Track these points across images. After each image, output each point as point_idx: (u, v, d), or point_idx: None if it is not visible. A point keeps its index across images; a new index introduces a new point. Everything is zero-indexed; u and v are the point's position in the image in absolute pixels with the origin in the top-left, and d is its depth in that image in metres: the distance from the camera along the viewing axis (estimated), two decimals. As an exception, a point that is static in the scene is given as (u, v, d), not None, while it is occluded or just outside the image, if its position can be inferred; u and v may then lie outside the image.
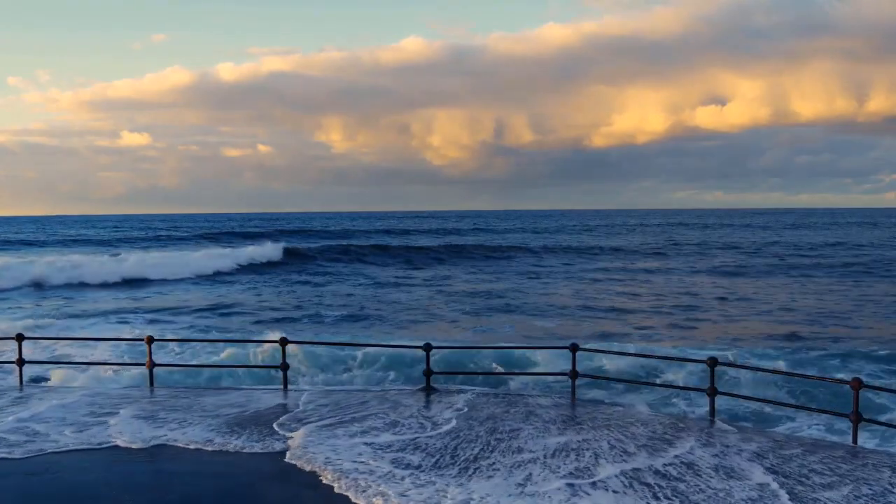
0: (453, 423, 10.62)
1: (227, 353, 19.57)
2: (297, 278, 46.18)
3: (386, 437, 9.97)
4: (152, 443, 9.90)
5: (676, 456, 9.13)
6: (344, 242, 72.60)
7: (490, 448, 9.38)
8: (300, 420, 10.93)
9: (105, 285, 42.39)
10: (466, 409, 11.43)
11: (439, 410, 11.32)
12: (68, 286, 41.37)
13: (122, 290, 40.94)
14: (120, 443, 9.89)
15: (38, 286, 40.67)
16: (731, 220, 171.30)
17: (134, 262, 48.35)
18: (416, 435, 10.06)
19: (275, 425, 10.63)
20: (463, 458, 9.06)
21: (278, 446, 9.72)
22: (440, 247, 69.48)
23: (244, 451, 9.59)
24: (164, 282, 44.18)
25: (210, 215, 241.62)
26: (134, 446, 9.77)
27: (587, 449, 9.33)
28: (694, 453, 9.22)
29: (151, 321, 28.47)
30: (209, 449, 9.67)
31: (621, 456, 9.08)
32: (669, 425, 10.58)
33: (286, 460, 9.16)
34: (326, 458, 9.08)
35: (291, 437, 10.02)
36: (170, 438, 10.10)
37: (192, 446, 9.79)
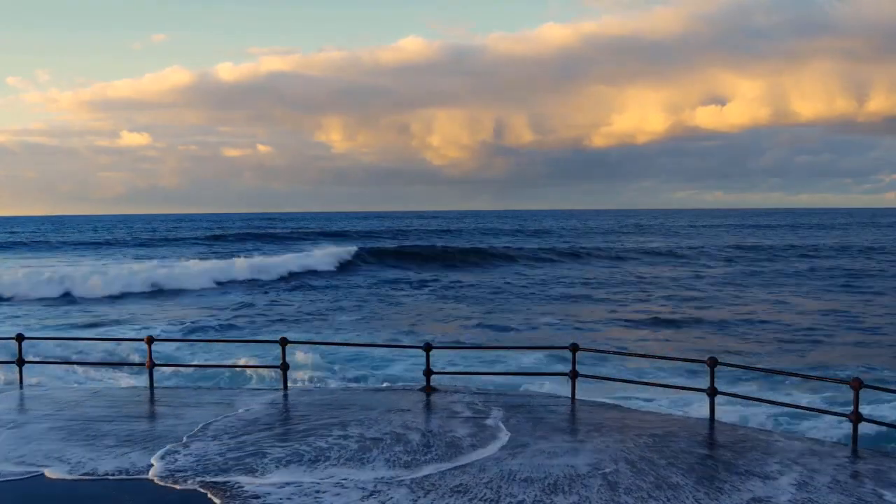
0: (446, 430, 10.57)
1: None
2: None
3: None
4: None
5: (739, 490, 7.58)
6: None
7: (483, 471, 8.34)
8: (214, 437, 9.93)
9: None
10: (467, 412, 11.41)
11: (439, 421, 11.22)
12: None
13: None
14: None
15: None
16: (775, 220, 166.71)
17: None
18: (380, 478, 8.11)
19: (185, 437, 9.86)
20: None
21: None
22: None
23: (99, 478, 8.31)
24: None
25: (211, 215, 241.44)
26: None
27: (605, 474, 8.11)
28: (776, 478, 7.81)
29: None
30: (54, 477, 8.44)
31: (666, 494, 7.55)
32: (691, 431, 10.20)
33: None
34: None
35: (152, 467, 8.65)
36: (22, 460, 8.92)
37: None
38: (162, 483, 8.17)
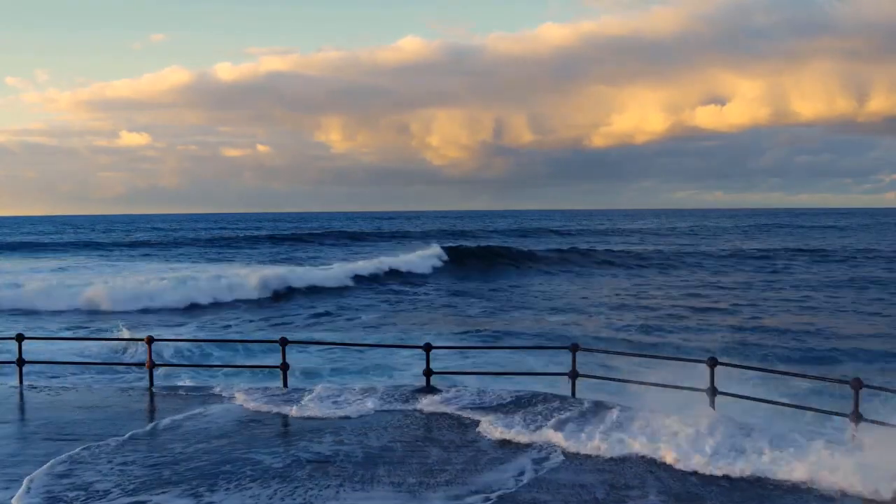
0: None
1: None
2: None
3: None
4: None
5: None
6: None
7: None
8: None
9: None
10: (468, 414, 11.39)
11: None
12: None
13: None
14: None
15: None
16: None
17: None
18: None
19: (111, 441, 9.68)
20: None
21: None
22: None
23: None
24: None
25: (212, 215, 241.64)
26: None
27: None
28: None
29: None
30: None
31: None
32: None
33: None
34: None
35: None
36: None
37: None
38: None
